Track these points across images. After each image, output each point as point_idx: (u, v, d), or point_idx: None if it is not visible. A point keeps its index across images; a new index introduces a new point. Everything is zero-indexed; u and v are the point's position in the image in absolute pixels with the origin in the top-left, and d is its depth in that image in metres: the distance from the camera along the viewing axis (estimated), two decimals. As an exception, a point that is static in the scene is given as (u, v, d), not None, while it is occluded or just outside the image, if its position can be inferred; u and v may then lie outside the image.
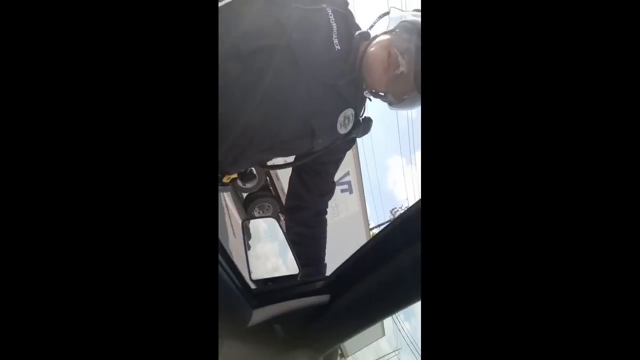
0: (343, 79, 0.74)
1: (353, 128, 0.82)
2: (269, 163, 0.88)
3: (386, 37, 0.75)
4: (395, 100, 0.79)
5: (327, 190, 0.93)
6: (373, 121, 0.87)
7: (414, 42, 0.69)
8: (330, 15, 0.72)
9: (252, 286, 0.56)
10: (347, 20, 0.76)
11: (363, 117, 0.86)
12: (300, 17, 0.69)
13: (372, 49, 0.75)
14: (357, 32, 0.77)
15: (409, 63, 0.70)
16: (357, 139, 0.90)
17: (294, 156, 0.86)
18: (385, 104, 0.83)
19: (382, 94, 0.79)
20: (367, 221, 6.13)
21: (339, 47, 0.72)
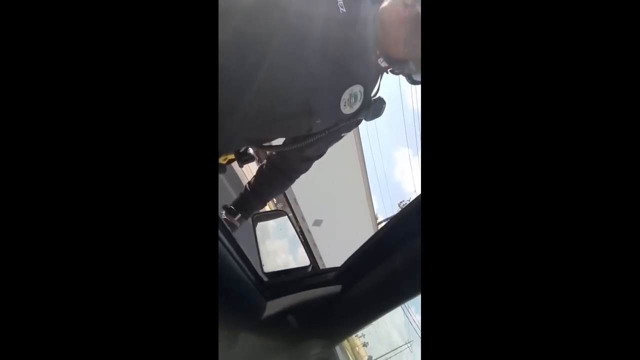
0: (349, 48, 0.63)
1: (361, 109, 0.70)
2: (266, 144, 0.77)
3: None
4: (417, 68, 0.65)
5: (300, 169, 0.85)
6: (386, 103, 0.73)
7: None
8: None
9: (265, 279, 0.57)
10: None
11: (376, 97, 0.72)
12: None
13: (387, 3, 0.63)
14: None
15: None
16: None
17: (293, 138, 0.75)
18: (387, 93, 0.73)
19: (402, 60, 0.65)
20: (374, 213, 6.13)
21: (344, 10, 0.61)
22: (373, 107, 0.71)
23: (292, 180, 0.88)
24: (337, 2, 0.61)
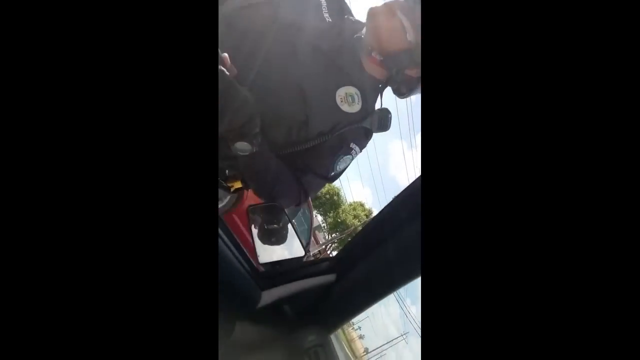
0: (340, 54, 0.66)
1: (364, 113, 0.69)
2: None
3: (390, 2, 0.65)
4: (408, 86, 0.70)
5: (323, 176, 0.73)
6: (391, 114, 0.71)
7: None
8: None
9: (260, 269, 0.57)
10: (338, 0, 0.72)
11: (380, 108, 0.72)
12: None
13: (376, 11, 0.65)
14: (347, 16, 0.72)
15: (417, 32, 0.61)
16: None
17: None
18: (382, 90, 0.72)
19: (397, 52, 0.65)
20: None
21: (330, 20, 0.67)
22: (378, 116, 0.69)
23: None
24: (322, 13, 0.67)
